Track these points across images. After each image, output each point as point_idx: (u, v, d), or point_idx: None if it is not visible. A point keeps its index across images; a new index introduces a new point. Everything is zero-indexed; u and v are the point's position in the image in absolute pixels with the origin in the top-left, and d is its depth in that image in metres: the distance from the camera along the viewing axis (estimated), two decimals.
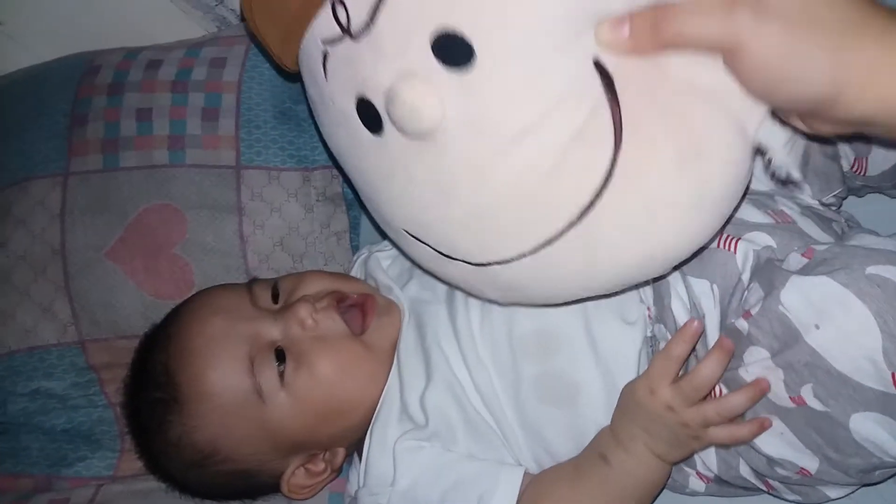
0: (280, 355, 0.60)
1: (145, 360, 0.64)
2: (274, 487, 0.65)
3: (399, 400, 0.61)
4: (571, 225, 0.44)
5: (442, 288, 0.64)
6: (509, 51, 0.41)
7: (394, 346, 0.63)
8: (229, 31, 0.89)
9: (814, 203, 0.59)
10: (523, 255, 0.46)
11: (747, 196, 0.59)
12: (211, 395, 0.60)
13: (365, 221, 0.86)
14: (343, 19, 0.43)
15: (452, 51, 0.41)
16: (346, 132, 0.49)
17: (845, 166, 0.60)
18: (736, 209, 0.47)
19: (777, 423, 0.52)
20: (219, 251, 0.77)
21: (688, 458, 0.57)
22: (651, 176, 0.43)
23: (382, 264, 0.69)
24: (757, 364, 0.51)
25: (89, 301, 0.74)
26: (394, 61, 0.42)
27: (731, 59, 0.40)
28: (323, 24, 0.45)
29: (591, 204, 0.43)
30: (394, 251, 0.71)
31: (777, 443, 0.53)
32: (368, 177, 0.50)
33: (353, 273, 0.73)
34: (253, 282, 0.68)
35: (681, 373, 0.54)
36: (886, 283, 0.47)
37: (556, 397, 0.58)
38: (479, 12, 0.40)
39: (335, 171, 0.83)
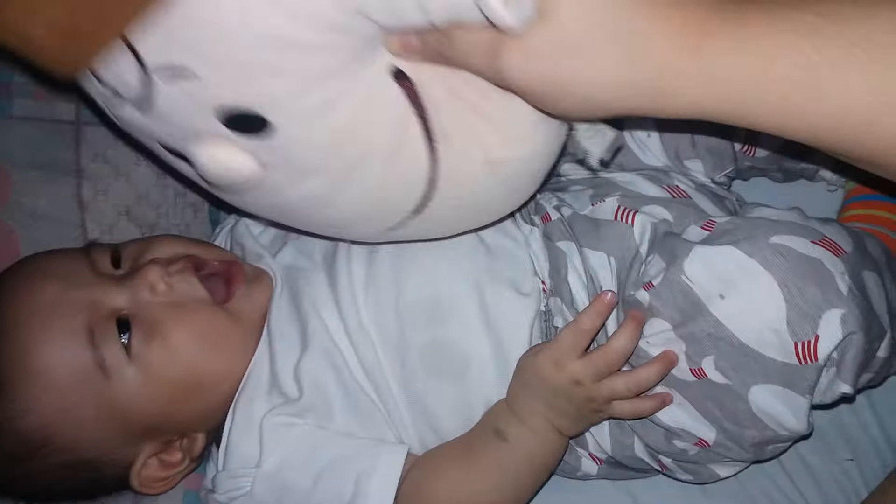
0: (123, 325, 0.52)
1: None
2: (122, 482, 0.55)
3: (268, 372, 0.54)
4: (402, 223, 0.48)
5: (320, 253, 0.58)
6: (297, 104, 0.40)
7: (263, 317, 0.56)
8: None
9: (706, 181, 0.59)
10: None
11: (643, 171, 0.58)
12: (41, 373, 0.50)
13: None
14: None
15: (245, 125, 0.40)
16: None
17: (737, 146, 0.60)
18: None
19: (676, 396, 0.50)
20: (51, 218, 0.66)
21: (584, 433, 0.54)
22: (467, 182, 0.45)
23: (253, 231, 0.61)
24: (658, 336, 0.49)
25: None
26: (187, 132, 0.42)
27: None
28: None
29: (418, 209, 0.46)
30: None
31: (675, 411, 0.51)
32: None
33: (216, 243, 0.65)
34: (91, 246, 0.58)
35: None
36: (790, 252, 0.46)
37: (444, 369, 0.53)
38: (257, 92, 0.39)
39: None
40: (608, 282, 0.54)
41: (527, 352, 0.52)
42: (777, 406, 0.48)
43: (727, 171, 0.59)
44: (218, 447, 0.55)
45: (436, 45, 0.40)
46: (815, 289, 0.45)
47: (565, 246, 0.55)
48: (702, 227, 0.51)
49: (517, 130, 0.43)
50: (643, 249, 0.53)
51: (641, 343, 0.50)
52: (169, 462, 0.55)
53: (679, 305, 0.48)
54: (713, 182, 0.59)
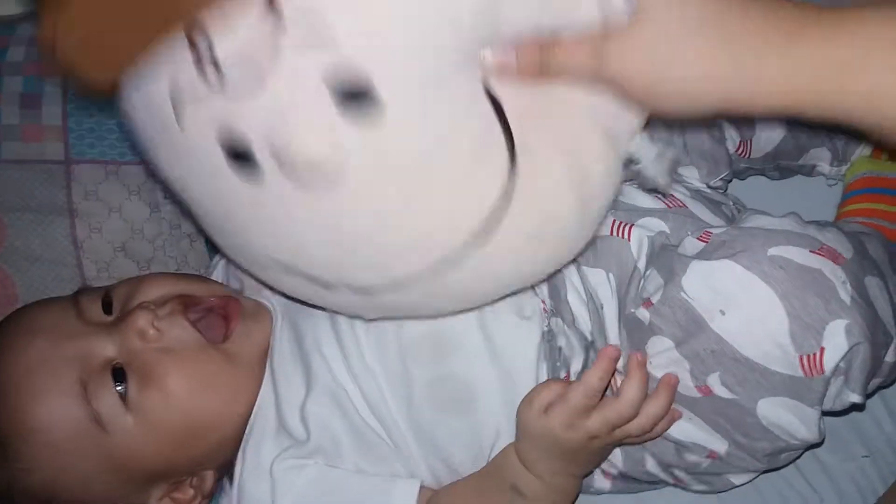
0: (118, 374, 0.51)
1: None
2: None
3: (275, 414, 0.54)
4: (468, 245, 0.41)
5: None
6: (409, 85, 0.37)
7: (264, 355, 0.55)
8: None
9: (702, 186, 0.58)
10: (417, 276, 0.43)
11: (636, 181, 0.57)
12: (39, 432, 0.50)
13: None
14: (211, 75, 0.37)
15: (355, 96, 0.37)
16: (208, 178, 0.42)
17: (731, 148, 0.59)
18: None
19: (685, 412, 0.50)
20: (47, 260, 0.65)
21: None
22: (546, 197, 0.42)
23: None
24: (661, 355, 0.48)
25: None
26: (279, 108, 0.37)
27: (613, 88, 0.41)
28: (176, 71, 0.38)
29: (486, 228, 0.41)
30: None
31: (685, 426, 0.50)
32: (234, 218, 0.44)
33: (214, 276, 0.64)
34: (80, 292, 0.57)
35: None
36: (790, 265, 0.45)
37: (451, 403, 0.52)
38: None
39: None
40: (608, 299, 0.53)
41: (530, 404, 0.50)
42: (787, 417, 0.48)
43: (723, 176, 0.59)
44: (230, 481, 0.55)
45: (533, 60, 0.40)
46: (817, 300, 0.45)
47: None
48: (698, 239, 0.50)
49: (592, 159, 0.43)
50: (641, 264, 0.52)
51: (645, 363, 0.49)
52: (181, 500, 0.55)
53: (680, 323, 0.47)
54: (709, 187, 0.58)
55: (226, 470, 0.56)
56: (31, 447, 0.50)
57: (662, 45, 0.38)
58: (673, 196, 0.56)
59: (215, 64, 0.37)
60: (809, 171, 0.64)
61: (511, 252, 0.43)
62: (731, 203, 0.59)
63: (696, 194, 0.57)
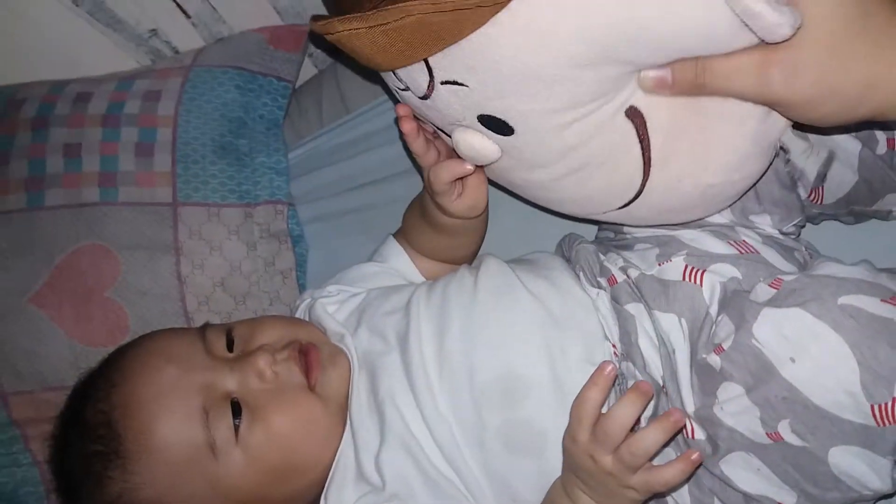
0: (236, 408, 0.56)
1: (81, 409, 0.58)
2: None
3: (354, 461, 0.57)
4: (606, 214, 0.57)
5: (393, 333, 0.60)
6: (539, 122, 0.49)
7: (345, 399, 0.59)
8: (164, 64, 0.84)
9: (774, 233, 0.58)
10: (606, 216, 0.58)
11: (708, 227, 0.58)
12: (159, 450, 0.55)
13: (312, 258, 0.82)
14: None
15: (495, 125, 0.50)
16: None
17: (802, 195, 0.59)
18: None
19: (753, 460, 0.50)
20: (155, 294, 0.71)
21: None
22: (671, 198, 0.53)
23: (328, 310, 0.65)
24: (732, 402, 0.49)
25: (12, 351, 0.68)
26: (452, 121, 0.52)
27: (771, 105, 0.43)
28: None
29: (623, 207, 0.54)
30: (338, 296, 0.66)
31: (754, 479, 0.50)
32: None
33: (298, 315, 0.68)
34: (205, 327, 0.62)
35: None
36: (860, 314, 0.46)
37: (522, 446, 0.54)
38: (509, 106, 0.48)
39: (279, 207, 0.79)
40: (680, 344, 0.53)
41: (566, 434, 0.51)
42: (859, 467, 0.47)
43: (795, 222, 0.59)
44: None
45: (691, 77, 0.43)
46: (888, 350, 0.45)
47: (634, 308, 0.55)
48: (770, 285, 0.51)
49: (729, 161, 0.50)
50: (713, 310, 0.53)
51: (715, 408, 0.50)
52: None
53: (751, 369, 0.48)
54: (781, 233, 0.59)
55: None
56: (149, 464, 0.55)
57: (827, 63, 0.39)
58: (745, 242, 0.56)
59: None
60: (885, 216, 0.63)
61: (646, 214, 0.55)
62: (804, 248, 0.59)
63: (769, 240, 0.57)
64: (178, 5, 0.85)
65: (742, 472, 0.50)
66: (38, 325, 0.68)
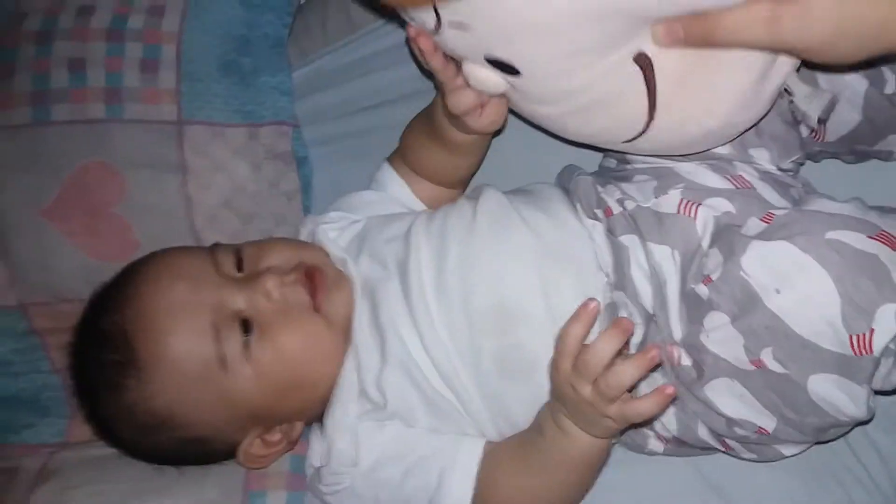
0: (246, 326, 0.59)
1: (97, 320, 0.62)
2: (229, 455, 0.63)
3: (357, 380, 0.60)
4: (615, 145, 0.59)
5: (393, 261, 0.62)
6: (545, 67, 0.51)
7: (349, 321, 0.62)
8: None
9: (772, 168, 0.60)
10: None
11: (706, 160, 0.60)
12: (172, 361, 0.58)
13: (316, 181, 0.83)
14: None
15: (502, 66, 0.51)
16: None
17: (804, 132, 0.60)
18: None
19: (736, 385, 0.53)
20: (162, 211, 0.73)
21: (615, 437, 0.58)
22: (675, 136, 0.55)
23: (330, 235, 0.67)
24: (717, 330, 0.52)
25: (28, 263, 0.71)
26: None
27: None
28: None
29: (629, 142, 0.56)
30: (340, 222, 0.69)
31: (736, 404, 0.54)
32: None
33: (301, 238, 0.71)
34: (215, 247, 0.65)
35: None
36: (845, 248, 0.48)
37: (516, 371, 0.58)
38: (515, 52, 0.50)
39: (283, 128, 0.80)
40: (672, 275, 0.56)
41: (550, 362, 0.54)
42: (836, 394, 0.51)
43: (794, 158, 0.60)
44: (320, 429, 0.62)
45: (702, 32, 0.44)
46: (869, 283, 0.47)
47: (628, 240, 0.57)
48: (761, 220, 0.53)
49: (733, 106, 0.52)
50: (705, 243, 0.55)
51: (701, 336, 0.53)
52: (270, 442, 0.63)
53: (737, 299, 0.51)
54: (779, 169, 0.60)
55: (313, 422, 0.64)
56: (163, 374, 0.58)
57: (838, 7, 0.40)
58: (742, 177, 0.58)
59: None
60: (886, 157, 0.64)
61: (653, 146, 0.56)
62: (801, 186, 0.60)
63: (766, 176, 0.59)
64: None
65: (725, 397, 0.54)
66: (51, 239, 0.71)
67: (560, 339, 0.53)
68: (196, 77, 0.77)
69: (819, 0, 0.40)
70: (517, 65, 0.50)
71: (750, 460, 0.59)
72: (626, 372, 0.50)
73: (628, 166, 0.64)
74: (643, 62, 0.49)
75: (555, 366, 0.54)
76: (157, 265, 0.63)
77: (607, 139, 0.57)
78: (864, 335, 0.47)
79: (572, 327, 0.52)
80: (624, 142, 0.56)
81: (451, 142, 0.66)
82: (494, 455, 0.59)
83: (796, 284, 0.48)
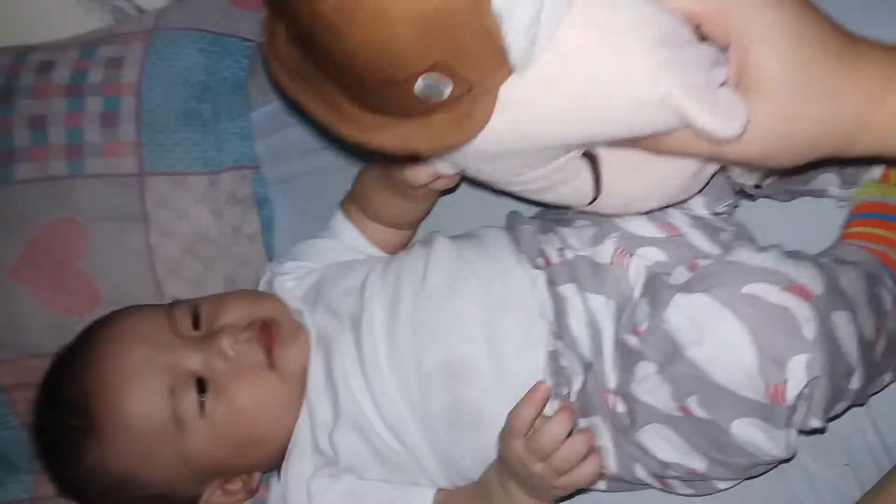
0: (201, 385, 0.62)
1: (58, 384, 0.65)
2: None
3: (311, 436, 0.64)
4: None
5: (347, 315, 0.65)
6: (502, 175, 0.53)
7: (304, 374, 0.65)
8: (127, 26, 0.87)
9: (704, 213, 0.63)
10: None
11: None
12: (131, 426, 0.62)
13: (279, 219, 0.86)
14: None
15: None
16: None
17: (736, 176, 0.63)
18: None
19: (667, 430, 0.56)
20: (125, 263, 0.77)
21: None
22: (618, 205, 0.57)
23: (287, 286, 0.70)
24: (647, 379, 0.55)
25: None
26: None
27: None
28: None
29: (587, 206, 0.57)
30: (297, 272, 0.72)
31: (668, 447, 0.57)
32: None
33: (261, 287, 0.74)
34: (172, 305, 0.68)
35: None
36: (760, 302, 0.51)
37: (464, 424, 0.61)
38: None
39: (244, 172, 0.83)
40: (607, 324, 0.59)
41: (501, 438, 0.59)
42: (759, 436, 0.54)
43: (728, 203, 0.63)
44: (279, 475, 0.66)
45: (651, 144, 0.47)
46: (782, 336, 0.50)
47: (567, 290, 0.60)
48: (687, 269, 0.56)
49: (671, 191, 0.55)
50: (636, 293, 0.58)
51: (632, 385, 0.56)
52: (230, 490, 0.67)
53: (663, 349, 0.54)
54: (713, 213, 0.63)
55: (272, 469, 0.67)
56: (122, 438, 0.62)
57: (774, 128, 0.43)
58: (673, 224, 0.61)
59: None
60: (819, 194, 0.67)
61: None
62: (732, 229, 0.63)
63: (698, 222, 0.62)
64: None
65: (658, 441, 0.57)
66: (18, 297, 0.74)
67: (511, 420, 0.57)
68: (156, 128, 0.80)
69: (756, 121, 0.42)
70: (479, 176, 0.54)
71: (687, 495, 0.62)
72: (577, 449, 0.56)
73: (568, 213, 0.66)
74: (591, 156, 0.52)
75: (505, 443, 0.57)
76: (115, 328, 0.66)
77: (556, 205, 0.60)
78: (778, 385, 0.50)
79: (523, 409, 0.56)
80: (582, 206, 0.58)
81: (405, 192, 0.69)
82: None
83: (715, 336, 0.51)
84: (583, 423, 0.59)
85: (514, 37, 0.39)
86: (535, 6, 0.39)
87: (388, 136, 0.44)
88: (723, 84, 0.44)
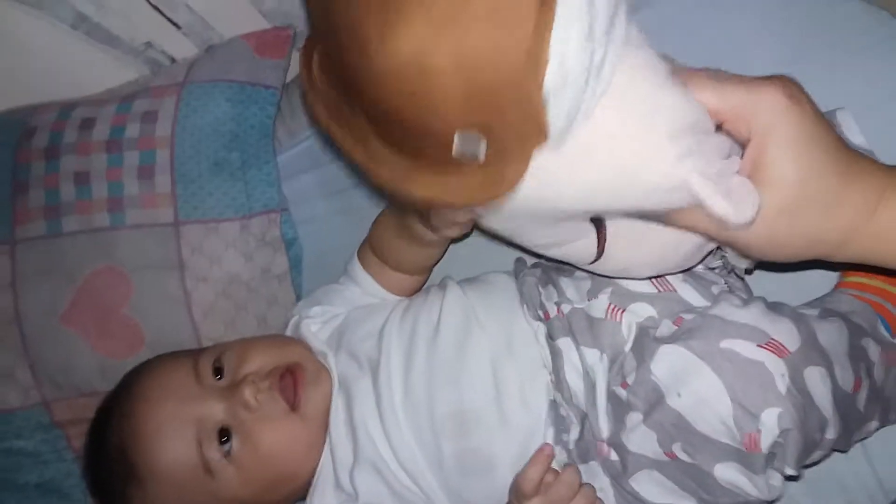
0: (226, 433, 0.70)
1: (102, 434, 0.74)
2: None
3: (332, 474, 0.71)
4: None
5: (366, 360, 0.72)
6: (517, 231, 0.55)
7: (326, 414, 0.72)
8: (160, 79, 0.94)
9: (698, 267, 0.67)
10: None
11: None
12: (165, 473, 0.70)
13: (307, 257, 0.93)
14: None
15: None
16: None
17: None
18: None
19: (656, 475, 0.62)
20: (165, 308, 0.85)
21: None
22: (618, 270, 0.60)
23: (312, 329, 0.77)
24: (635, 429, 0.60)
25: (48, 365, 0.83)
26: None
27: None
28: None
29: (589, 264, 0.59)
30: (323, 316, 0.79)
31: (658, 491, 0.63)
32: None
33: (288, 332, 0.81)
34: (199, 355, 0.75)
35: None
36: (737, 357, 0.56)
37: (474, 469, 0.68)
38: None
39: (272, 216, 0.90)
40: (601, 376, 0.64)
41: (514, 478, 0.65)
42: (740, 479, 0.59)
43: (722, 261, 0.67)
44: None
45: (661, 215, 0.51)
46: (756, 389, 0.55)
47: (563, 343, 0.66)
48: (673, 323, 0.61)
49: (670, 264, 0.58)
50: (627, 347, 0.63)
51: (622, 436, 0.62)
52: None
53: (648, 400, 0.59)
54: (707, 268, 0.67)
55: (300, 501, 0.75)
56: (159, 483, 0.70)
57: (779, 223, 0.47)
58: (665, 279, 0.65)
59: None
60: None
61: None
62: (723, 282, 0.67)
63: (690, 276, 0.67)
64: (168, 19, 0.94)
65: (648, 485, 0.63)
66: (69, 342, 0.83)
67: (521, 483, 0.63)
68: (189, 178, 0.88)
69: (760, 214, 0.46)
70: (489, 228, 0.56)
71: None
72: (590, 497, 0.63)
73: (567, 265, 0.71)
74: (598, 221, 0.56)
75: (518, 500, 0.64)
76: (146, 383, 0.74)
77: (560, 259, 0.63)
78: (752, 434, 0.55)
79: (532, 471, 0.63)
80: (586, 264, 0.62)
81: (420, 238, 0.75)
82: None
83: (694, 388, 0.57)
84: (582, 468, 0.66)
85: (557, 115, 0.41)
86: (581, 91, 0.41)
87: (419, 186, 0.45)
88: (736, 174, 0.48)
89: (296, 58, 1.03)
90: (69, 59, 0.95)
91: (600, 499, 0.65)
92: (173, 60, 0.99)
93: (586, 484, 0.64)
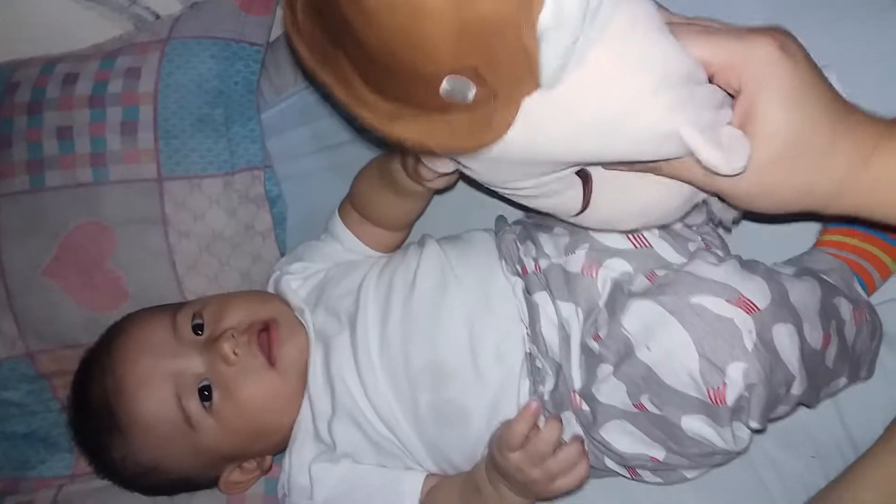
0: (206, 387, 0.72)
1: (85, 387, 0.76)
2: (212, 484, 0.79)
3: (312, 425, 0.74)
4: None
5: (345, 315, 0.75)
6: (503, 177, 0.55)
7: (304, 368, 0.75)
8: (143, 35, 0.95)
9: (676, 224, 0.69)
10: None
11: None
12: (147, 425, 0.73)
13: (291, 214, 0.95)
14: None
15: None
16: None
17: (717, 210, 0.67)
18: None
19: (626, 425, 0.64)
20: (148, 262, 0.87)
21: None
22: (606, 220, 0.61)
23: (292, 286, 0.78)
24: (605, 381, 0.62)
25: (32, 317, 0.86)
26: None
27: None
28: None
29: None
30: (303, 272, 0.80)
31: (628, 441, 0.65)
32: None
33: (270, 287, 0.83)
34: (177, 309, 0.78)
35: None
36: (706, 312, 0.58)
37: (449, 420, 0.70)
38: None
39: (255, 172, 0.92)
40: (575, 330, 0.67)
41: (495, 431, 0.67)
42: (707, 430, 0.61)
43: (697, 223, 0.69)
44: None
45: (650, 166, 0.53)
46: (723, 344, 0.57)
47: (539, 297, 0.69)
48: (647, 278, 0.62)
49: (655, 216, 0.59)
50: (601, 302, 0.65)
51: (593, 388, 0.64)
52: (247, 469, 0.78)
53: (619, 352, 0.61)
54: (685, 225, 0.69)
55: (282, 452, 0.78)
56: (141, 435, 0.73)
57: (770, 171, 0.48)
58: (641, 236, 0.67)
59: None
60: None
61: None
62: (700, 239, 0.69)
63: (667, 232, 0.69)
64: None
65: (618, 435, 0.65)
66: (52, 295, 0.85)
67: (505, 435, 0.65)
68: (172, 134, 0.89)
69: (754, 162, 0.47)
70: (475, 176, 0.57)
71: (655, 483, 0.70)
72: (570, 455, 0.65)
73: (549, 219, 0.73)
74: (584, 175, 0.56)
75: (502, 455, 0.66)
76: (126, 337, 0.77)
77: (541, 212, 0.64)
78: (718, 388, 0.57)
79: (518, 425, 0.65)
80: (571, 217, 0.63)
81: (403, 190, 0.77)
82: (435, 499, 0.72)
83: (663, 342, 0.59)
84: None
85: (550, 57, 0.41)
86: (575, 32, 0.42)
87: (405, 128, 0.44)
88: (728, 124, 0.49)
89: (280, 15, 1.03)
90: (53, 15, 0.97)
91: (587, 451, 0.66)
92: (158, 17, 0.99)
93: (573, 438, 0.66)
